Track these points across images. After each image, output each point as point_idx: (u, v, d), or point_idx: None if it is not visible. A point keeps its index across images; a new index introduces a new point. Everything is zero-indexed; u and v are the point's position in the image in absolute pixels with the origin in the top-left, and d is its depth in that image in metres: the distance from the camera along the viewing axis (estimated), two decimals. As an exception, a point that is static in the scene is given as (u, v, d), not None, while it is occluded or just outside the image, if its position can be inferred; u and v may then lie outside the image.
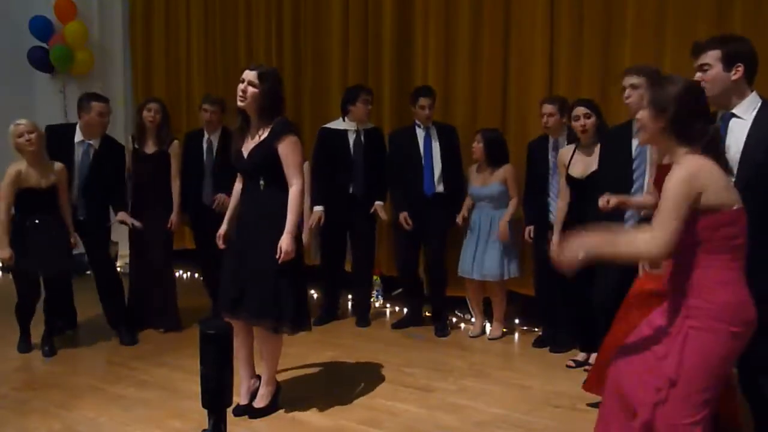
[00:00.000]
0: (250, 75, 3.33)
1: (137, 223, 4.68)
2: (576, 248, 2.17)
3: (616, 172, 3.58)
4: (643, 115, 2.29)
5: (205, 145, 5.06)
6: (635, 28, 4.53)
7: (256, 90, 3.31)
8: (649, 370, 2.28)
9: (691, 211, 2.13)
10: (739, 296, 2.19)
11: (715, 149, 2.20)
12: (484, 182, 4.73)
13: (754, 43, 2.71)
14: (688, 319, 2.20)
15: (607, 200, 3.09)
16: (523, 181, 4.68)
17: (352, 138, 4.99)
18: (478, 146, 4.70)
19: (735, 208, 2.17)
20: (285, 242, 3.29)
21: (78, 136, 4.61)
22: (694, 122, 2.19)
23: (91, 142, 4.61)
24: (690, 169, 2.14)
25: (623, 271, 3.45)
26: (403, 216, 4.79)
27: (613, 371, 2.42)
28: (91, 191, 4.62)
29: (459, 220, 4.82)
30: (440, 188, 4.85)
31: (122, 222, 4.70)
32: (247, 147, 3.40)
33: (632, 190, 3.47)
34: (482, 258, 4.66)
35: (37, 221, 4.23)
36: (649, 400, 2.24)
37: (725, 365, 2.22)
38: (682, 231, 2.11)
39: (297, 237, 3.39)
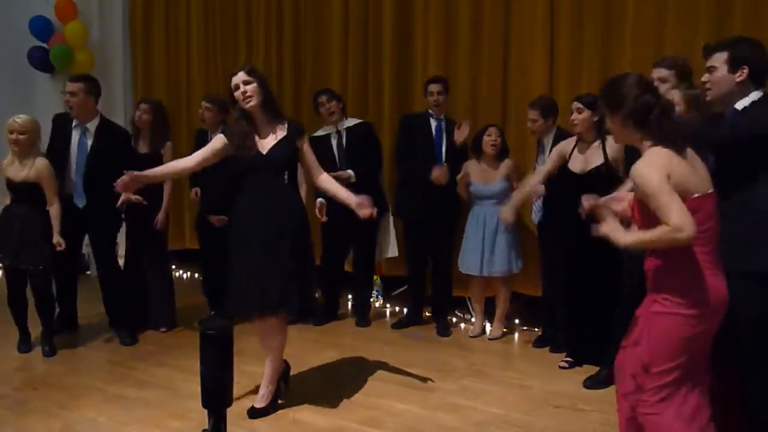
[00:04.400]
0: (241, 76, 3.41)
1: (139, 198, 4.36)
2: (613, 233, 2.32)
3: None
4: (607, 121, 2.47)
5: None
6: (635, 27, 4.53)
7: (253, 85, 3.40)
8: (627, 358, 2.43)
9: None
10: (703, 279, 2.28)
11: (675, 139, 2.30)
12: (487, 179, 4.69)
13: (754, 43, 2.74)
14: (654, 304, 2.35)
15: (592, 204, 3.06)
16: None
17: (334, 141, 5.02)
18: (498, 140, 4.65)
19: (697, 195, 2.27)
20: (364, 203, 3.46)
21: (74, 121, 4.57)
22: (650, 113, 2.30)
23: (87, 126, 4.54)
24: (650, 156, 2.28)
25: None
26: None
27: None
28: (90, 177, 4.50)
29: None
30: None
31: (124, 202, 4.32)
32: (264, 145, 3.46)
33: None
34: (490, 255, 4.64)
35: (6, 212, 4.26)
36: (629, 389, 2.40)
37: (692, 346, 2.31)
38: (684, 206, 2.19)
39: (308, 233, 3.54)
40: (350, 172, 4.89)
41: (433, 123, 4.91)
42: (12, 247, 4.23)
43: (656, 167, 2.22)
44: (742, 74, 2.68)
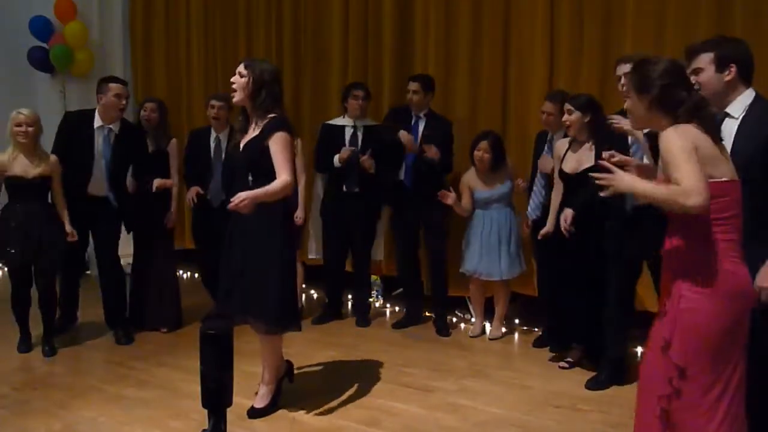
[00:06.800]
0: (239, 69, 3.33)
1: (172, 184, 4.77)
2: (617, 181, 2.20)
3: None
4: (628, 102, 2.34)
5: (212, 144, 4.97)
6: (635, 26, 4.53)
7: (243, 79, 3.30)
8: (657, 358, 2.28)
9: None
10: (732, 268, 2.18)
11: (703, 117, 2.20)
12: (492, 185, 4.67)
13: (754, 42, 2.73)
14: (681, 300, 2.21)
15: (610, 155, 2.99)
16: (528, 174, 4.68)
17: (348, 133, 5.00)
18: (486, 156, 4.56)
19: (725, 179, 2.17)
20: (248, 195, 3.14)
21: (97, 122, 4.54)
22: (679, 96, 2.21)
23: (111, 126, 4.55)
24: (678, 128, 2.15)
25: None
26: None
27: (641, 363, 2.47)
28: (117, 177, 4.58)
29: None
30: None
31: (160, 187, 4.69)
32: (243, 142, 3.41)
33: None
34: (498, 258, 4.63)
35: (19, 210, 4.20)
36: (663, 392, 2.24)
37: (729, 341, 2.19)
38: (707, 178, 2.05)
39: (293, 234, 3.47)
40: (372, 161, 4.89)
41: (413, 119, 4.91)
42: (24, 245, 4.18)
43: (684, 136, 2.10)
44: (730, 73, 2.65)
